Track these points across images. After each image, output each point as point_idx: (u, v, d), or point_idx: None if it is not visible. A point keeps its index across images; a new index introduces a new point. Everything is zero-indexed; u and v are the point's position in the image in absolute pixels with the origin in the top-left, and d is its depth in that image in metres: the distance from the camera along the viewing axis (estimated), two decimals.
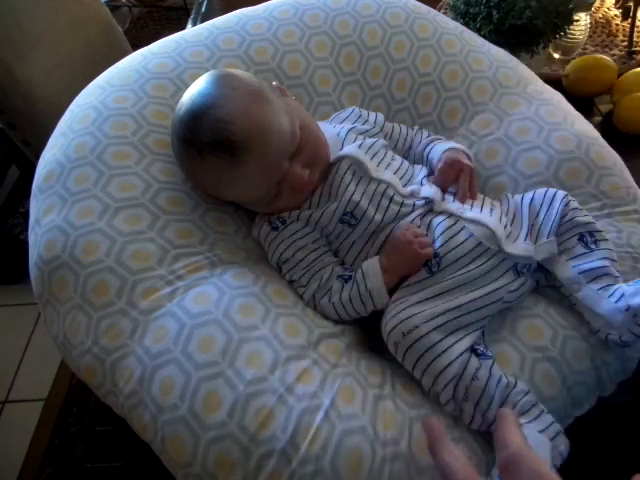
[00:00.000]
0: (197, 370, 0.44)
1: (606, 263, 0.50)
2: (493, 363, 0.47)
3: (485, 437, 0.47)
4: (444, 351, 0.46)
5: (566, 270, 0.52)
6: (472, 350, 0.48)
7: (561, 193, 0.54)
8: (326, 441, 0.42)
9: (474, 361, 0.46)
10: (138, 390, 0.45)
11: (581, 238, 0.52)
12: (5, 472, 1.18)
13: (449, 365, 0.46)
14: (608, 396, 0.51)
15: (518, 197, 0.58)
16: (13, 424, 1.27)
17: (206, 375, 0.44)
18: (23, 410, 1.29)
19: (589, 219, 0.53)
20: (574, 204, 0.54)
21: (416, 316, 0.48)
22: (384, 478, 0.42)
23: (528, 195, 0.57)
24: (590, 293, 0.50)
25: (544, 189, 0.56)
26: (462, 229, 0.53)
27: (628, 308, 0.46)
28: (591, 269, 0.50)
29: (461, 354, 0.46)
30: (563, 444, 0.44)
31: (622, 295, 0.47)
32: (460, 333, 0.48)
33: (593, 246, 0.51)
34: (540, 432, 0.43)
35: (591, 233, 0.52)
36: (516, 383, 0.46)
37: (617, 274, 0.50)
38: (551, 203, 0.54)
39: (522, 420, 0.44)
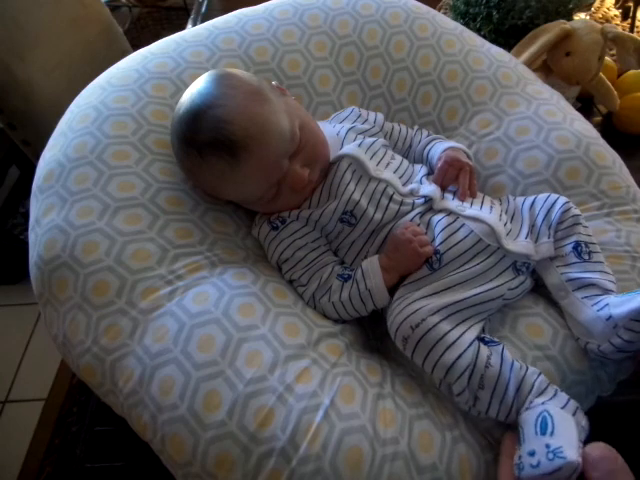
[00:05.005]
0: (197, 370, 0.44)
1: (596, 275, 0.50)
2: (503, 348, 0.47)
3: (485, 437, 0.47)
4: (454, 342, 0.46)
5: (554, 277, 0.52)
6: (479, 339, 0.48)
7: (562, 199, 0.54)
8: (326, 440, 0.42)
9: (484, 349, 0.46)
10: (138, 390, 0.45)
11: (575, 247, 0.52)
12: (5, 472, 1.19)
13: (461, 356, 0.45)
14: (608, 396, 0.51)
15: (519, 200, 0.58)
16: (13, 424, 1.27)
17: (206, 375, 0.44)
18: (23, 410, 1.29)
19: (587, 231, 0.53)
20: (574, 211, 0.53)
21: (422, 310, 0.47)
22: (384, 477, 0.42)
23: (529, 199, 0.57)
24: (574, 301, 0.50)
25: (546, 194, 0.56)
26: (462, 226, 0.53)
27: (609, 317, 0.46)
28: (578, 278, 0.50)
29: (471, 343, 0.46)
30: (584, 419, 0.43)
31: (606, 305, 0.47)
32: (465, 324, 0.48)
33: (586, 257, 0.51)
34: (561, 409, 0.43)
35: (587, 244, 0.52)
36: (527, 367, 0.46)
37: (609, 287, 0.50)
38: (551, 207, 0.54)
39: (541, 399, 0.44)
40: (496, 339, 0.48)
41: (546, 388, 0.45)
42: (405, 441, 0.44)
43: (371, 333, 0.59)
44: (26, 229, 0.55)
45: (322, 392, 0.44)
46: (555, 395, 0.44)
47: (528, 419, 0.42)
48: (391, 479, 0.42)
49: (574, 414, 0.43)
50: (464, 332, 0.47)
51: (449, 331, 0.46)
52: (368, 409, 0.45)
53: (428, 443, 0.44)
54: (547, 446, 0.39)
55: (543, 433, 0.40)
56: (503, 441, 0.45)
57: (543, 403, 0.43)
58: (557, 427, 0.40)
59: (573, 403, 0.44)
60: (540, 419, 0.41)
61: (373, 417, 0.44)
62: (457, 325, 0.47)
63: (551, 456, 0.38)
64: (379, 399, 0.46)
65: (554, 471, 0.37)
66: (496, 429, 0.47)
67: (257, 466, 0.41)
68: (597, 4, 1.16)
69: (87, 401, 1.24)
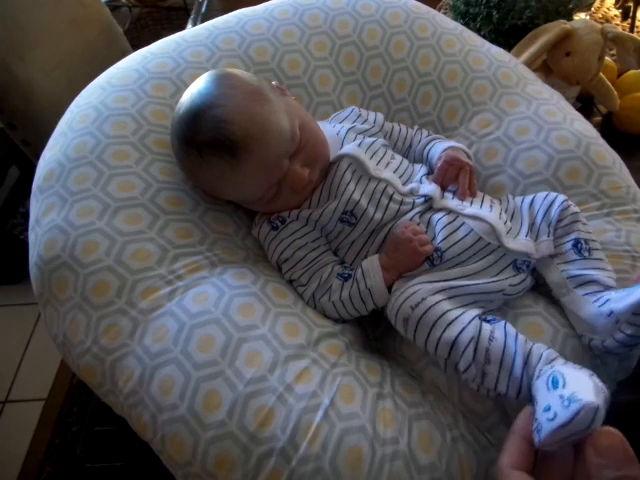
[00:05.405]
0: (197, 370, 0.44)
1: (596, 272, 0.50)
2: (506, 323, 0.46)
3: (485, 437, 0.47)
4: (455, 319, 0.46)
5: (555, 274, 0.52)
6: (481, 318, 0.47)
7: (561, 197, 0.54)
8: (326, 440, 0.42)
9: (486, 325, 0.46)
10: (138, 390, 0.45)
11: (575, 244, 0.52)
12: (5, 472, 1.19)
13: (463, 331, 0.45)
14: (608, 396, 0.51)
15: (518, 199, 0.58)
16: (13, 424, 1.27)
17: (206, 375, 0.44)
18: (23, 410, 1.30)
19: (587, 228, 0.53)
20: (574, 209, 0.54)
21: (421, 290, 0.47)
22: (384, 477, 0.42)
23: (528, 198, 0.57)
24: (575, 297, 0.49)
25: (545, 193, 0.56)
26: (462, 225, 0.53)
27: (611, 313, 0.45)
28: (579, 275, 0.50)
29: (472, 320, 0.46)
30: (601, 383, 0.38)
31: (607, 300, 0.47)
32: (465, 307, 0.48)
33: (586, 254, 0.51)
34: (574, 370, 0.40)
35: (586, 241, 0.52)
36: (534, 342, 0.45)
37: (610, 283, 0.49)
38: (550, 206, 0.54)
39: (551, 365, 0.42)
40: (498, 318, 0.48)
41: (556, 357, 0.44)
42: (405, 441, 0.44)
43: (371, 333, 0.59)
44: (26, 229, 0.55)
45: (322, 392, 0.44)
46: (566, 363, 0.43)
47: (539, 385, 0.40)
48: (391, 479, 0.42)
49: (589, 377, 0.40)
50: (464, 311, 0.47)
51: (449, 310, 0.46)
52: (368, 409, 0.45)
53: (428, 443, 0.44)
54: (561, 396, 0.36)
55: (555, 387, 0.38)
56: (518, 416, 0.40)
57: (553, 367, 0.41)
58: (569, 380, 0.38)
59: (587, 370, 0.41)
60: (551, 378, 0.39)
61: (373, 417, 0.44)
62: (457, 307, 0.47)
63: (567, 403, 0.35)
64: (379, 399, 0.47)
65: (573, 417, 0.34)
66: (496, 428, 0.47)
67: (257, 466, 0.41)
68: (597, 4, 1.16)
69: (87, 401, 1.24)
